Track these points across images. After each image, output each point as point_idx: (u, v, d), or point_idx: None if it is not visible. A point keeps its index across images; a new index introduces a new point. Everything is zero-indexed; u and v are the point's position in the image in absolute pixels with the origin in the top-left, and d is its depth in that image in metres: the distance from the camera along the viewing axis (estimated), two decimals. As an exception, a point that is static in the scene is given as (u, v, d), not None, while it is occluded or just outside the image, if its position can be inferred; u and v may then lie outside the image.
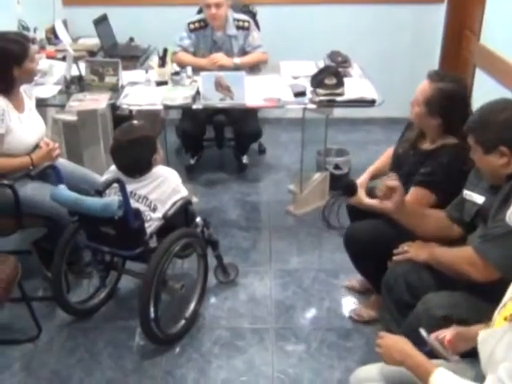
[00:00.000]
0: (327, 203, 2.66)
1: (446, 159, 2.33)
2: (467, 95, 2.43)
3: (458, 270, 1.96)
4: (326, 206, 2.66)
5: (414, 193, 2.39)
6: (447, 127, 2.36)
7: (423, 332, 1.73)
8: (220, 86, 3.22)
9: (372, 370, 1.79)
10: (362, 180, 2.76)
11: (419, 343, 1.67)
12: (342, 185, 2.63)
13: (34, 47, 2.77)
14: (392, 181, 2.19)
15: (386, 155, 2.82)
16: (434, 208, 2.33)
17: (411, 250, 2.20)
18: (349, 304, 2.87)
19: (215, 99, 3.26)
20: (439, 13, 4.63)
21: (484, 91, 3.73)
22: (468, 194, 2.09)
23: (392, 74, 4.61)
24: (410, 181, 2.42)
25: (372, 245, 2.47)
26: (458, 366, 1.62)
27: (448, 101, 2.30)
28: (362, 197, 2.48)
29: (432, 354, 1.67)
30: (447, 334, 1.70)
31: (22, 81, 2.75)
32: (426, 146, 2.48)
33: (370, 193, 2.46)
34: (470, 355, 1.62)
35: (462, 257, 1.96)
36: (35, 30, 4.04)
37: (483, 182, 2.02)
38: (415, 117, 2.46)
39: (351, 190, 2.51)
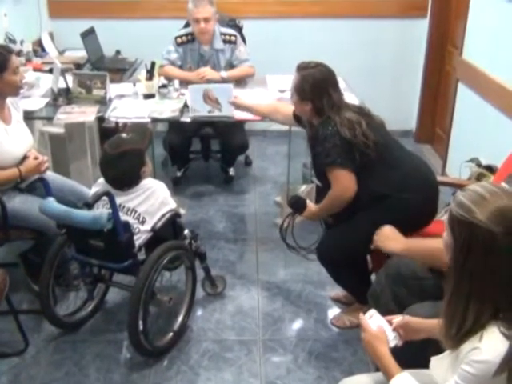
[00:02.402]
0: (282, 225, 2.72)
1: (325, 133, 2.45)
2: (329, 78, 2.57)
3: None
4: (282, 229, 2.72)
5: (333, 180, 2.46)
6: (318, 109, 2.53)
7: (367, 313, 1.77)
8: (208, 98, 3.24)
9: (358, 380, 1.82)
10: (243, 101, 3.12)
11: (404, 353, 1.70)
12: (290, 202, 2.69)
13: (18, 59, 2.75)
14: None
15: (275, 106, 3.12)
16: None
17: (379, 240, 2.24)
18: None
19: (203, 111, 3.28)
20: (422, 28, 4.72)
21: (466, 105, 3.80)
22: None
23: (376, 88, 4.66)
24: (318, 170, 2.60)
25: (344, 255, 2.53)
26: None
27: (311, 85, 2.51)
28: (312, 209, 2.61)
29: None
30: (398, 320, 1.73)
31: (6, 93, 2.74)
32: (308, 132, 2.65)
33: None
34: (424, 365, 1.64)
35: None
36: (22, 42, 4.06)
37: None
38: (294, 107, 2.70)
39: (300, 205, 2.63)
